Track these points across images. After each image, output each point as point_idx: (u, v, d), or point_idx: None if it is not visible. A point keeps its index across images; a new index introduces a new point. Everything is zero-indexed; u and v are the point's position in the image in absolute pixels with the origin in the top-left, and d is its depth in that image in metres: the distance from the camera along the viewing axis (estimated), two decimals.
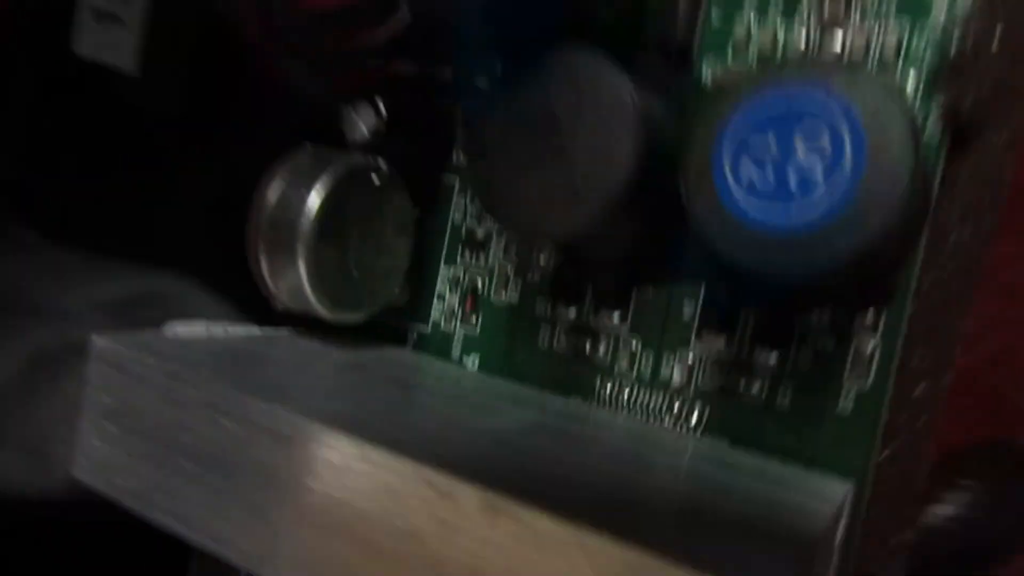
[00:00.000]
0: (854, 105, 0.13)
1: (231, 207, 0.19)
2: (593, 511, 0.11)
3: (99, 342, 0.16)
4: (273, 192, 0.18)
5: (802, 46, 0.17)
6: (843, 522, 0.15)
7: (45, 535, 0.16)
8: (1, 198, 0.14)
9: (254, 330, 0.20)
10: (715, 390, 0.18)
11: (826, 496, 0.15)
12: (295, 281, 0.18)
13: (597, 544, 0.10)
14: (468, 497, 0.12)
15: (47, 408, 0.16)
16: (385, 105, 0.20)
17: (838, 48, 0.17)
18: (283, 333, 0.20)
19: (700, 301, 0.18)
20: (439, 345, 0.22)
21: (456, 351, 0.22)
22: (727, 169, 0.14)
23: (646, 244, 0.18)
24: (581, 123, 0.15)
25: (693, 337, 0.19)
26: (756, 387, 0.18)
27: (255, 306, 0.20)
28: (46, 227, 0.15)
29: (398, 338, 0.23)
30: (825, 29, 0.17)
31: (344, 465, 0.13)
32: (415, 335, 0.22)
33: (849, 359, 0.17)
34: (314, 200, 0.18)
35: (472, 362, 0.21)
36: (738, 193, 0.14)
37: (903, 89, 0.16)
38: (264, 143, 0.19)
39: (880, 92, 0.13)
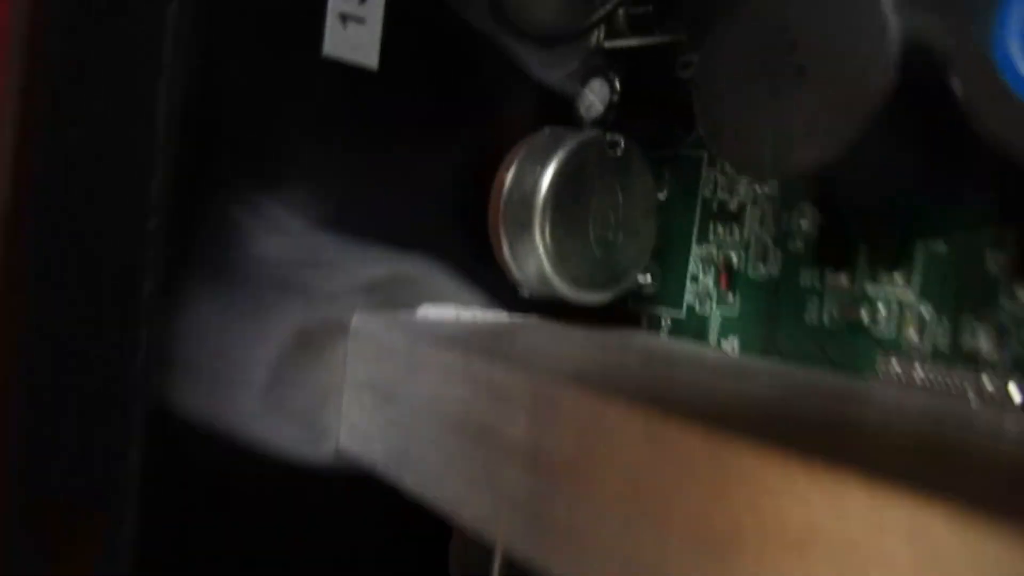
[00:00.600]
0: None
1: (478, 193, 0.19)
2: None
3: (358, 321, 0.17)
4: (510, 173, 0.18)
5: None
6: None
7: (314, 505, 0.17)
8: (270, 191, 0.16)
9: (503, 316, 0.20)
10: None
11: None
12: (536, 259, 0.18)
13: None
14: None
15: (315, 382, 0.17)
16: (620, 80, 0.19)
17: None
18: (531, 320, 0.20)
19: (1007, 246, 0.15)
20: (695, 330, 0.20)
21: (713, 335, 0.20)
22: (1013, 50, 0.11)
23: (924, 180, 0.15)
24: (824, 36, 0.13)
25: (1001, 295, 0.15)
26: None
27: (505, 293, 0.20)
28: (307, 216, 0.16)
29: (652, 326, 0.21)
30: None
31: (584, 420, 0.12)
32: (669, 322, 0.21)
33: None
34: (548, 176, 0.18)
35: (732, 345, 0.20)
36: None
37: None
38: (507, 129, 0.20)
39: None
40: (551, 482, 0.12)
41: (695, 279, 0.20)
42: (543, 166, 0.18)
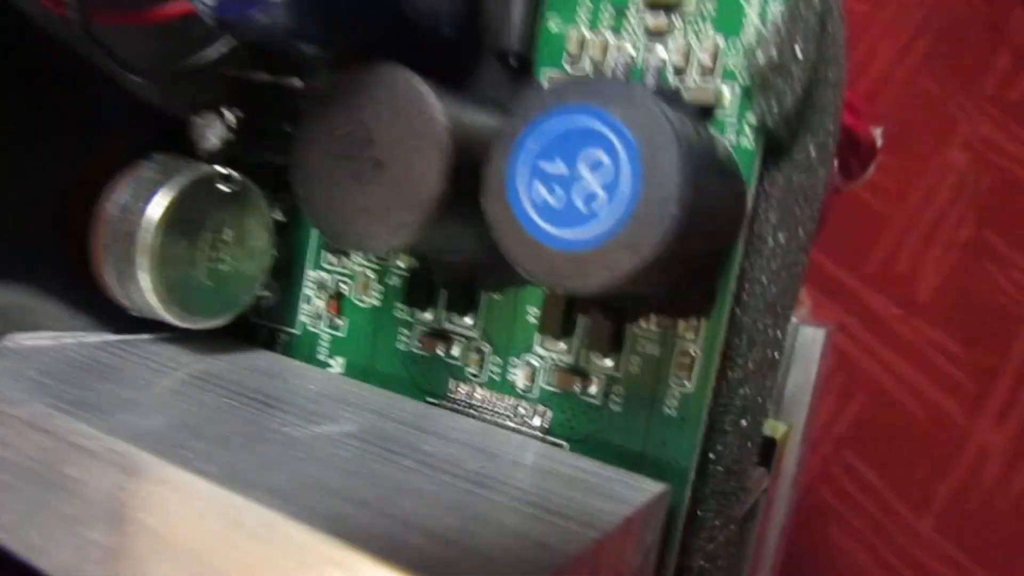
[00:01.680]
0: (626, 125, 0.13)
1: (83, 214, 0.19)
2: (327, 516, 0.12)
3: None
4: (116, 202, 0.18)
5: (632, 54, 0.18)
6: (654, 522, 0.16)
7: None
8: None
9: (109, 338, 0.20)
10: (556, 392, 0.19)
11: (629, 499, 0.15)
12: (141, 292, 0.19)
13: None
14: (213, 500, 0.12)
15: None
16: (236, 115, 0.20)
17: (664, 57, 0.17)
18: (141, 340, 0.21)
19: (540, 308, 0.19)
20: (308, 348, 0.22)
21: (323, 353, 0.22)
22: (520, 189, 0.14)
23: (482, 250, 0.18)
24: (396, 141, 0.16)
25: (535, 342, 0.19)
26: (593, 388, 0.18)
27: (113, 314, 0.20)
28: None
29: (269, 340, 0.23)
30: (651, 40, 0.17)
31: (143, 484, 0.13)
32: (285, 338, 0.23)
33: (672, 364, 0.18)
34: (155, 210, 0.18)
35: (339, 364, 0.22)
36: (532, 212, 0.14)
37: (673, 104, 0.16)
38: (115, 154, 0.19)
39: (652, 108, 0.13)
40: (131, 541, 0.13)
41: (308, 300, 0.22)
42: (149, 202, 0.18)
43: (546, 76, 0.19)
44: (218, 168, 0.19)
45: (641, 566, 0.16)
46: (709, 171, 0.14)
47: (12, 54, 0.17)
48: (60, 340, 0.19)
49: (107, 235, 0.18)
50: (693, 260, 0.15)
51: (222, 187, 0.19)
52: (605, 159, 0.13)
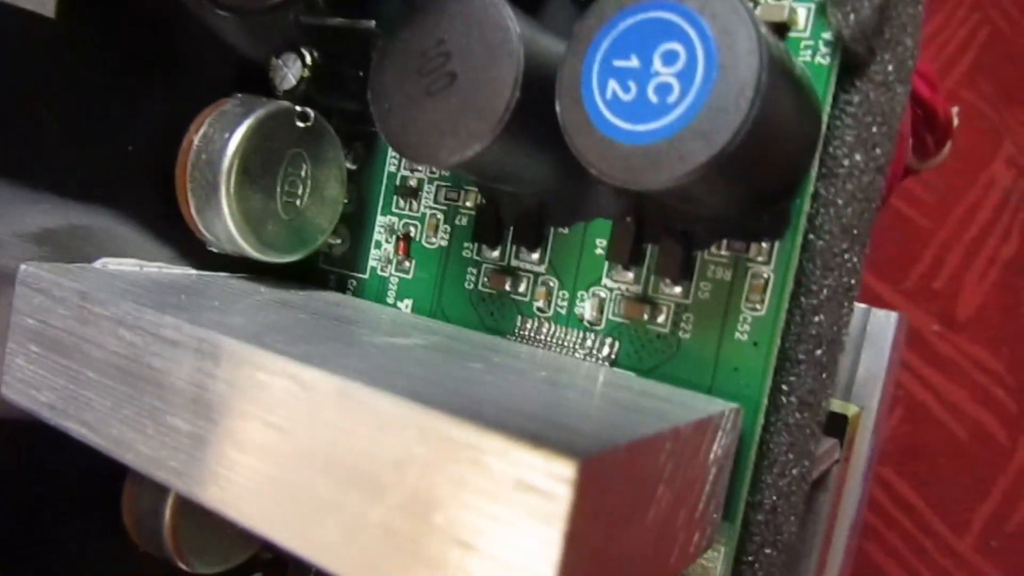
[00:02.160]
0: (704, 16, 0.13)
1: (167, 150, 0.20)
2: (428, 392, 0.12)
3: (25, 269, 0.17)
4: (199, 135, 0.19)
5: None
6: (722, 440, 0.16)
7: None
8: None
9: (189, 271, 0.21)
10: (624, 323, 0.19)
11: (702, 408, 0.15)
12: (222, 221, 0.19)
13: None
14: (323, 382, 0.12)
15: None
16: (312, 56, 0.21)
17: None
18: (219, 275, 0.21)
19: (609, 237, 0.19)
20: (377, 292, 0.23)
21: (391, 296, 0.22)
22: (595, 87, 0.14)
23: (552, 181, 0.18)
24: (470, 54, 0.16)
25: (603, 274, 0.19)
26: (661, 318, 0.18)
27: (193, 250, 0.21)
28: None
29: (338, 286, 0.23)
30: None
31: (228, 367, 0.14)
32: (354, 283, 0.23)
33: (745, 288, 0.17)
34: (236, 140, 0.19)
35: (406, 306, 0.22)
36: (604, 109, 0.14)
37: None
38: (200, 93, 0.20)
39: (730, 4, 0.13)
40: (210, 425, 0.14)
41: (378, 245, 0.23)
42: (232, 131, 0.19)
43: None
44: (296, 106, 0.20)
45: (712, 483, 0.15)
46: (784, 74, 0.14)
47: None
48: (144, 268, 0.20)
49: (191, 165, 0.19)
50: (765, 169, 0.15)
51: (299, 123, 0.20)
52: (681, 50, 0.13)
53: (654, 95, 0.14)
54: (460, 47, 0.16)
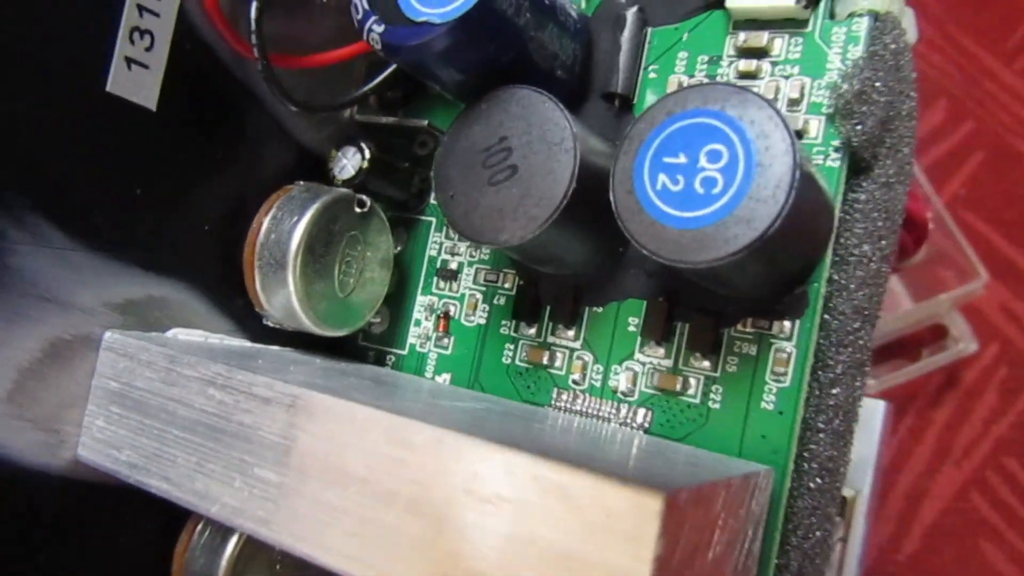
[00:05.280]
0: (743, 123, 0.16)
1: (233, 231, 0.21)
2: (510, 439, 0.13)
3: (111, 336, 0.19)
4: (268, 217, 0.21)
5: None
6: (759, 498, 0.17)
7: (48, 511, 0.18)
8: (36, 205, 0.17)
9: (247, 343, 0.22)
10: (656, 394, 0.20)
11: (740, 469, 0.17)
12: (285, 295, 0.21)
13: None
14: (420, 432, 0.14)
15: (59, 392, 0.18)
16: (370, 150, 0.23)
17: None
18: (275, 348, 0.23)
19: (642, 316, 0.21)
20: (415, 367, 0.24)
21: (430, 370, 0.24)
22: (646, 179, 0.16)
23: (593, 262, 0.20)
24: (531, 149, 0.18)
25: (636, 349, 0.21)
26: (691, 389, 0.20)
27: (250, 323, 0.22)
28: (70, 231, 0.18)
29: (377, 362, 0.25)
30: (742, 82, 0.20)
31: (315, 420, 0.15)
32: (393, 359, 0.25)
33: (770, 361, 0.19)
34: (304, 223, 0.21)
35: (445, 380, 0.24)
36: (655, 199, 0.16)
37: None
38: (264, 180, 0.22)
39: (765, 109, 0.15)
40: (299, 475, 0.15)
41: (418, 323, 0.24)
42: (300, 214, 0.21)
43: None
44: (354, 194, 0.22)
45: (751, 540, 0.17)
46: (807, 173, 0.17)
47: (199, 83, 0.20)
48: (208, 339, 0.21)
49: (260, 244, 0.21)
50: (793, 253, 0.17)
51: (357, 209, 0.22)
52: (723, 150, 0.16)
53: (700, 187, 0.16)
54: (522, 144, 0.18)
